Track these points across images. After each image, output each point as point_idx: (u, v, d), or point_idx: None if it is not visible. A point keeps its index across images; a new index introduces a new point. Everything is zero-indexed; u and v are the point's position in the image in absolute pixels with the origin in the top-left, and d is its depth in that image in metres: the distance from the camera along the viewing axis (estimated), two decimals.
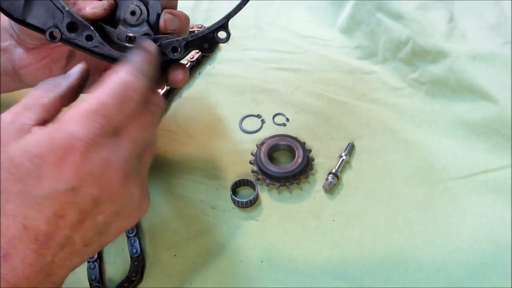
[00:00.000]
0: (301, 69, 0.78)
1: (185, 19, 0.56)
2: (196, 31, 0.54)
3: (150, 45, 0.50)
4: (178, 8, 0.59)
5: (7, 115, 0.45)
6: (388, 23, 0.77)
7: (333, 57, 0.80)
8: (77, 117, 0.44)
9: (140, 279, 0.59)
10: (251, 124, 0.72)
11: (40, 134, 0.44)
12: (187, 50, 0.54)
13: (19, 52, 0.60)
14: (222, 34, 0.54)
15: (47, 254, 0.44)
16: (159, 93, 0.51)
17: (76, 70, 0.50)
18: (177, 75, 0.54)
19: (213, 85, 0.77)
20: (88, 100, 0.44)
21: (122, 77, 0.46)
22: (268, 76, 0.78)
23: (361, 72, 0.78)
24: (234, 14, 0.53)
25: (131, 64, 0.47)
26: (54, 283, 0.46)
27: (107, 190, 0.45)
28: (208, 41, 0.54)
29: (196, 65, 0.79)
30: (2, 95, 0.71)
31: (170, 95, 0.75)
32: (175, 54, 0.53)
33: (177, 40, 0.53)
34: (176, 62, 0.55)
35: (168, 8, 0.55)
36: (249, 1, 0.53)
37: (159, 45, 0.52)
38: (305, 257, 0.59)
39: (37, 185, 0.43)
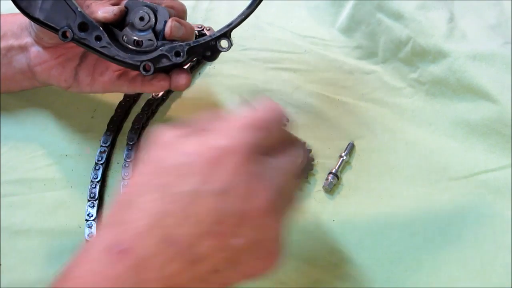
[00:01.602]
0: (301, 69, 0.78)
1: (190, 29, 0.59)
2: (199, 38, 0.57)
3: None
4: None
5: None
6: (388, 23, 0.77)
7: (333, 57, 0.80)
8: (236, 126, 0.42)
9: None
10: None
11: (197, 138, 0.42)
12: (190, 56, 0.56)
13: (36, 49, 0.63)
14: (224, 43, 0.56)
15: (173, 261, 0.38)
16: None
17: None
18: (180, 79, 0.56)
19: (213, 85, 0.77)
20: (245, 115, 0.43)
21: (271, 104, 0.45)
22: (268, 76, 0.78)
23: (361, 72, 0.78)
24: (237, 24, 0.56)
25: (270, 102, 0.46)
26: None
27: (252, 207, 0.40)
28: (210, 49, 0.56)
29: (196, 65, 0.79)
30: (2, 95, 0.72)
31: (169, 95, 0.75)
32: (178, 58, 0.55)
33: (180, 45, 0.55)
34: (179, 67, 0.56)
35: (176, 17, 0.57)
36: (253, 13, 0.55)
37: (162, 49, 0.55)
38: (305, 257, 0.59)
39: (183, 182, 0.40)
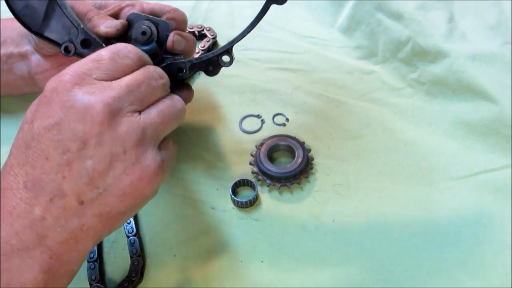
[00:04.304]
0: (301, 69, 0.78)
1: (192, 41, 0.59)
2: (201, 55, 0.57)
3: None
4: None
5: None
6: (388, 23, 0.77)
7: (333, 57, 0.80)
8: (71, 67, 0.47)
9: (140, 279, 0.59)
10: (251, 124, 0.72)
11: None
12: (192, 71, 0.57)
13: (36, 58, 0.63)
14: (226, 58, 0.57)
15: (35, 205, 0.43)
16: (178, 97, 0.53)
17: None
18: (183, 94, 0.56)
19: (213, 85, 0.77)
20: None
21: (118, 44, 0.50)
22: (268, 76, 0.78)
23: (361, 72, 0.78)
24: (238, 41, 0.56)
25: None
26: (49, 248, 0.43)
27: (92, 127, 0.44)
28: (212, 64, 0.57)
29: None
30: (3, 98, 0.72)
31: None
32: (180, 74, 0.56)
33: (183, 62, 0.56)
34: (182, 83, 0.57)
35: (177, 30, 0.58)
36: (254, 28, 0.56)
37: (166, 65, 0.55)
38: (305, 257, 0.59)
39: (29, 129, 0.44)
